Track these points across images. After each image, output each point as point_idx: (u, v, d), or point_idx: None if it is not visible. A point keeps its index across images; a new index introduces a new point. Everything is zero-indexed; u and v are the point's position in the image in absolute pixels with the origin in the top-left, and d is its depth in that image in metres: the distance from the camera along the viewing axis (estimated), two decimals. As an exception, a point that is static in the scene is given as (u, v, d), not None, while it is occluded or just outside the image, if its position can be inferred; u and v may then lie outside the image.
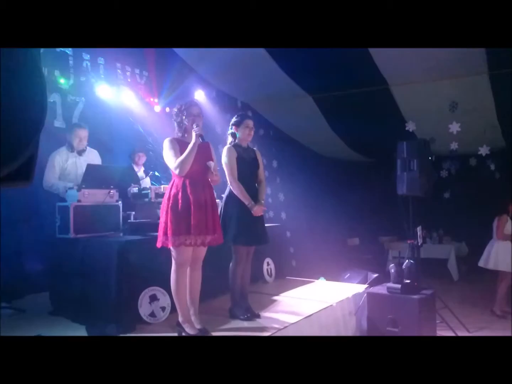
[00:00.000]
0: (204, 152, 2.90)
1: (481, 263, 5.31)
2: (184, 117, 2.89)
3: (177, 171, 2.78)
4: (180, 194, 2.78)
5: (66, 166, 3.92)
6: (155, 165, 5.01)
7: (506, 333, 4.33)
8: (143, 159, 4.87)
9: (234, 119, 3.40)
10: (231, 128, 3.40)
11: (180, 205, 2.76)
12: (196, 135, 2.78)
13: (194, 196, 2.78)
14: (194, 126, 2.82)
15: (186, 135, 2.93)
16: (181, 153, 2.80)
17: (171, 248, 2.80)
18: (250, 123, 3.38)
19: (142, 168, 4.88)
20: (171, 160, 2.81)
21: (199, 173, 2.85)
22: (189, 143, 2.85)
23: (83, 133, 4.01)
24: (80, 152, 4.01)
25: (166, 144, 2.85)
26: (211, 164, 2.86)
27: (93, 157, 4.11)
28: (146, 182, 4.69)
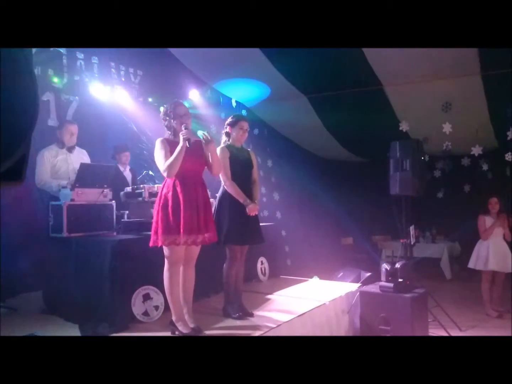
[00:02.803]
0: (196, 151, 2.91)
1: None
2: (171, 119, 2.89)
3: (165, 174, 2.80)
4: (170, 193, 2.80)
5: (56, 162, 3.89)
6: (149, 165, 5.01)
7: (498, 331, 4.37)
8: (128, 157, 4.81)
9: (229, 119, 3.41)
10: (226, 128, 3.41)
11: (170, 204, 2.78)
12: (183, 139, 2.76)
13: (184, 196, 2.79)
14: (183, 128, 2.80)
15: (176, 137, 2.92)
16: (172, 154, 2.80)
17: (163, 247, 2.82)
18: (245, 124, 3.39)
19: (128, 167, 4.86)
20: (160, 162, 2.82)
21: (190, 172, 2.85)
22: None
23: (74, 129, 4.00)
24: (70, 149, 3.98)
25: (157, 145, 2.86)
26: (203, 134, 2.86)
27: (82, 156, 4.09)
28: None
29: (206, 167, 2.99)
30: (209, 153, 2.92)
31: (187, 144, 2.75)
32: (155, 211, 2.83)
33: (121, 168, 4.74)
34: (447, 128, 5.72)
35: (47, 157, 3.84)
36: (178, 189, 2.80)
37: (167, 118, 2.92)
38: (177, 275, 2.89)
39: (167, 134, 2.95)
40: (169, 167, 2.76)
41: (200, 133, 2.86)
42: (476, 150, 6.20)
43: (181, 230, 2.73)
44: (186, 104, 3.80)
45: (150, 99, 5.64)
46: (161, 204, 2.80)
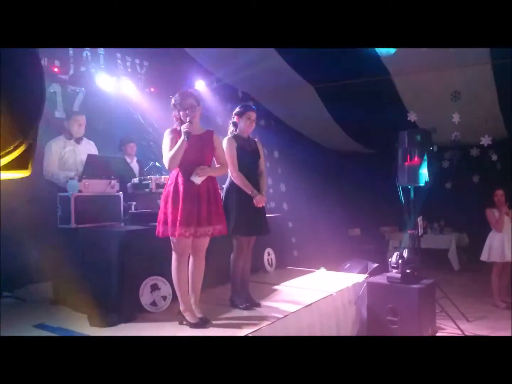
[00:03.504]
0: (204, 143, 2.90)
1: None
2: (178, 111, 2.87)
3: (166, 166, 2.83)
4: (172, 185, 2.82)
5: (64, 153, 3.89)
6: (156, 156, 5.01)
7: (506, 322, 4.35)
8: (133, 149, 4.82)
9: (237, 109, 3.38)
10: (233, 118, 3.38)
11: (171, 196, 2.79)
12: (183, 132, 2.75)
13: (184, 187, 2.79)
14: (187, 119, 2.79)
15: None
16: None
17: (171, 237, 2.82)
18: (253, 115, 3.36)
19: (135, 158, 4.86)
20: (164, 154, 2.84)
21: (196, 164, 2.83)
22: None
23: (82, 120, 4.00)
24: (78, 140, 3.99)
25: (165, 136, 2.87)
26: (196, 179, 2.80)
27: (90, 147, 4.11)
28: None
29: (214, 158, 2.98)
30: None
31: (186, 138, 2.74)
32: (163, 202, 2.86)
33: (128, 160, 4.74)
34: (456, 118, 5.66)
35: (54, 149, 3.85)
36: (180, 180, 2.81)
37: (175, 109, 2.90)
38: (184, 265, 2.89)
39: (176, 124, 2.93)
40: (169, 160, 2.78)
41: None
42: (486, 140, 6.13)
43: (177, 223, 2.73)
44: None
45: (156, 90, 5.62)
46: (164, 196, 2.85)
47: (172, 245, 2.86)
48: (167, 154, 2.81)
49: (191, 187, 2.80)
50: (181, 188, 2.79)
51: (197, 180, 2.80)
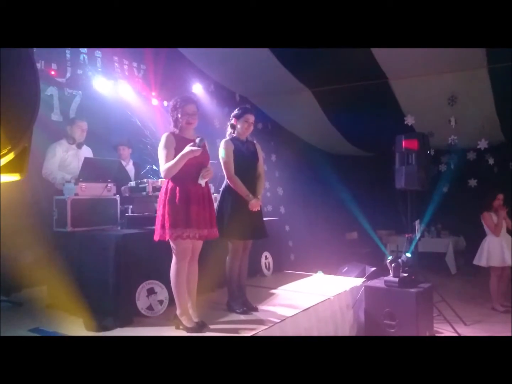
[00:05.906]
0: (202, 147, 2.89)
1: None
2: (179, 115, 2.85)
3: (162, 175, 2.80)
4: (178, 187, 2.78)
5: (67, 157, 4.02)
6: (153, 159, 4.99)
7: (503, 326, 4.35)
8: (125, 152, 4.80)
9: (235, 111, 3.36)
10: (231, 120, 3.37)
11: (177, 198, 2.76)
12: (191, 151, 2.71)
13: (192, 190, 2.79)
14: (197, 140, 2.75)
15: (182, 132, 2.89)
16: (176, 151, 2.78)
17: (171, 242, 2.81)
18: (251, 118, 3.35)
19: (131, 161, 4.85)
20: (161, 160, 2.80)
21: (195, 166, 2.82)
22: (186, 138, 2.84)
23: (84, 125, 4.15)
24: (80, 145, 4.12)
25: (162, 141, 2.83)
26: (203, 181, 2.84)
27: (89, 153, 4.21)
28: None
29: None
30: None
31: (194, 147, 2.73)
32: (161, 205, 2.82)
33: (124, 163, 4.73)
34: (452, 121, 5.68)
35: (58, 151, 3.99)
36: (186, 182, 2.79)
37: (175, 113, 2.87)
38: (184, 270, 2.87)
39: (172, 127, 2.91)
40: (168, 170, 2.75)
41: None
42: (482, 144, 6.16)
43: (191, 224, 2.74)
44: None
45: (153, 93, 5.61)
46: (167, 198, 2.78)
47: (173, 249, 2.84)
48: (163, 161, 2.77)
49: (197, 189, 2.81)
50: (189, 190, 2.78)
51: (203, 182, 2.84)
